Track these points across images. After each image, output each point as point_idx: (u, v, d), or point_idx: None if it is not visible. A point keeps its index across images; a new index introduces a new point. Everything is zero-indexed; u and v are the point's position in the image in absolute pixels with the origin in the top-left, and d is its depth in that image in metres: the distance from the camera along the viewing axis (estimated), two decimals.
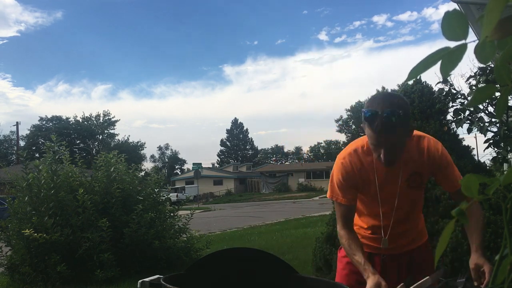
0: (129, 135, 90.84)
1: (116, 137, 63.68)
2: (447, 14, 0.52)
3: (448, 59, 0.51)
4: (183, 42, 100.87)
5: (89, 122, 61.62)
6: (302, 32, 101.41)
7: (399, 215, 1.94)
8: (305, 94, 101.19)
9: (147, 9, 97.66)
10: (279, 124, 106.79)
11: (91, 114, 61.93)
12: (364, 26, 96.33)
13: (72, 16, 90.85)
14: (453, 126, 3.94)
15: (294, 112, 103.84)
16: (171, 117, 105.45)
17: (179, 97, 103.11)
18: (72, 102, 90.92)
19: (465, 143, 3.82)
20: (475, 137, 9.05)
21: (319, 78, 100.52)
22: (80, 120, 61.25)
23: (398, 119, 1.64)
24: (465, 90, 4.19)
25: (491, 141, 3.83)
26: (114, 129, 63.14)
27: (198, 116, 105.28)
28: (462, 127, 3.98)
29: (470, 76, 4.07)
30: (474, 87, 4.00)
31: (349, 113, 63.63)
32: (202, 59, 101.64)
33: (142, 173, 8.56)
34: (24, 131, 60.49)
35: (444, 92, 4.05)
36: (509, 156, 3.99)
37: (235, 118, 72.51)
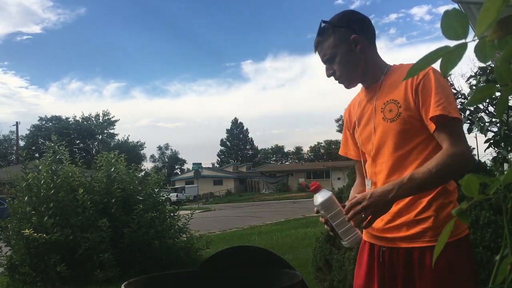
0: (128, 135, 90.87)
1: (116, 137, 63.75)
2: (447, 13, 0.52)
3: (448, 58, 0.51)
4: (205, 38, 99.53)
5: (89, 122, 61.61)
6: None
7: (383, 168, 1.54)
8: (317, 94, 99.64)
9: (170, 3, 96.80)
10: (281, 124, 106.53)
11: (90, 114, 62.01)
12: (400, 20, 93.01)
13: (93, 13, 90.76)
14: None
15: (301, 111, 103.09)
16: (180, 115, 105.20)
17: (193, 96, 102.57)
18: (84, 101, 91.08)
19: None
20: (476, 137, 9.03)
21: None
22: (80, 120, 61.28)
23: (323, 29, 1.58)
24: (466, 90, 4.20)
25: (492, 141, 3.82)
26: (113, 129, 63.20)
27: (207, 115, 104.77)
28: None
29: (471, 76, 4.07)
30: (474, 87, 4.00)
31: None
32: (222, 56, 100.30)
33: (142, 173, 8.58)
34: (24, 131, 60.58)
35: None
36: (509, 156, 3.99)
37: (235, 118, 72.58)
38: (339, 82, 1.62)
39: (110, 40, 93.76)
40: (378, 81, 1.58)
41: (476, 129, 3.90)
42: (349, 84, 1.64)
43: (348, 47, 1.56)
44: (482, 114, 3.99)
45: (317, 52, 1.62)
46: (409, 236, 1.48)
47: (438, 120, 1.41)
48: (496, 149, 3.92)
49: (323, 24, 1.58)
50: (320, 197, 1.48)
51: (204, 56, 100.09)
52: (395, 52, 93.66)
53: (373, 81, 1.61)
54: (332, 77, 1.61)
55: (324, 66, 1.62)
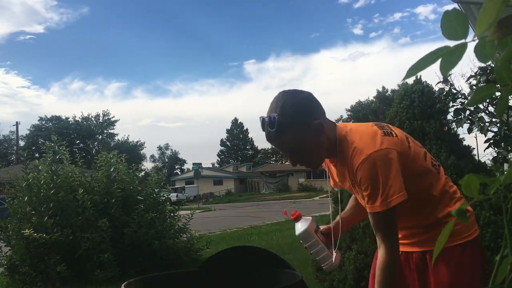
0: (128, 135, 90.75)
1: (116, 137, 63.76)
2: (447, 13, 0.52)
3: (448, 58, 0.51)
4: (207, 38, 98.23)
5: (89, 122, 61.62)
6: (335, 26, 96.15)
7: None
8: (319, 93, 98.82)
9: (173, 3, 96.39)
10: None
11: (90, 114, 62.01)
12: (405, 19, 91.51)
13: (96, 13, 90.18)
14: (453, 126, 3.94)
15: None
16: (181, 115, 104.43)
17: (195, 95, 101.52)
18: (85, 101, 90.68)
19: (465, 143, 3.81)
20: (476, 137, 9.04)
21: (339, 77, 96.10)
22: (80, 120, 61.29)
23: (273, 125, 1.41)
24: (466, 90, 4.19)
25: (492, 141, 3.83)
26: (113, 129, 63.20)
27: (208, 115, 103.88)
28: (462, 127, 3.98)
29: (471, 76, 4.08)
30: (474, 87, 4.00)
31: (349, 113, 63.64)
32: (225, 56, 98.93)
33: (142, 173, 8.57)
34: (24, 131, 60.54)
35: (445, 92, 4.05)
36: (509, 156, 3.99)
37: (235, 118, 72.43)
38: (307, 167, 1.60)
39: (112, 39, 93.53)
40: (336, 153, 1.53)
41: (476, 129, 3.90)
42: (318, 167, 1.67)
43: (313, 134, 1.45)
44: (482, 114, 3.99)
45: (266, 137, 1.48)
46: (420, 241, 1.53)
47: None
48: (496, 149, 3.93)
49: (276, 117, 1.40)
50: (298, 228, 1.64)
51: (206, 56, 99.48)
52: (398, 51, 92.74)
53: (333, 154, 1.55)
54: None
55: (288, 154, 1.53)
